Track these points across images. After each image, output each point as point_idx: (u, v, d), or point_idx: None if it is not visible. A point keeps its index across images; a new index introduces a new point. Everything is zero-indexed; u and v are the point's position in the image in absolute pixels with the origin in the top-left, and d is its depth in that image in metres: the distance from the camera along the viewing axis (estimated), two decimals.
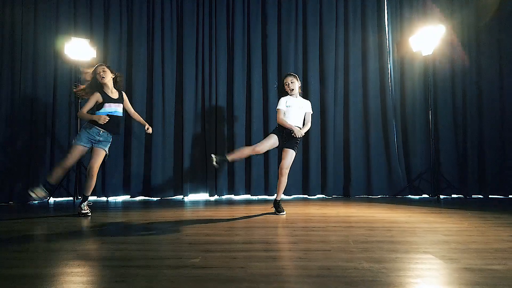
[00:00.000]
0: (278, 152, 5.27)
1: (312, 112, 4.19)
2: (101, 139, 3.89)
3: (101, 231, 3.07)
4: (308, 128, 4.14)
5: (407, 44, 5.45)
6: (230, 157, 3.90)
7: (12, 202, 5.04)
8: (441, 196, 5.10)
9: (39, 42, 5.30)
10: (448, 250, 2.27)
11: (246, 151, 4.00)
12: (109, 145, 4.01)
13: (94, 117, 3.79)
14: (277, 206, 3.94)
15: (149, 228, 3.15)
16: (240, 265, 1.97)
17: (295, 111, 3.99)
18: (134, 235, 2.87)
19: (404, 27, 5.66)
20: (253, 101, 5.58)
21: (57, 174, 3.89)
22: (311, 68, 5.59)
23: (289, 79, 4.04)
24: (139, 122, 4.31)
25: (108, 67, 3.95)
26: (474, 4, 5.55)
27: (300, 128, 3.99)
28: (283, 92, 4.14)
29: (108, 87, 3.93)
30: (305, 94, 5.59)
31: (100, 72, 3.85)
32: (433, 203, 4.72)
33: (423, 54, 5.18)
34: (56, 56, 5.40)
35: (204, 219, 3.61)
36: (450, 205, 4.56)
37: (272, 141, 3.96)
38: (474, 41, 5.55)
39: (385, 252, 2.24)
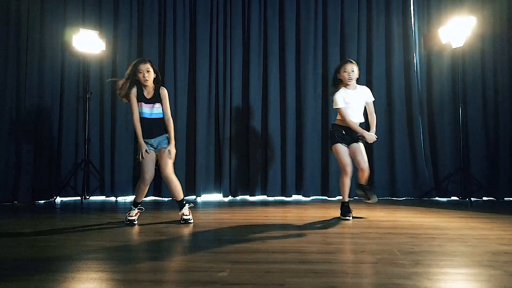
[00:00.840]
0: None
1: (374, 99, 3.55)
2: (154, 144, 3.29)
3: (107, 236, 2.78)
4: (375, 122, 3.53)
5: (435, 35, 5.11)
6: (345, 199, 3.49)
7: (16, 202, 4.78)
8: (472, 199, 4.74)
9: (46, 33, 5.02)
10: None
11: (345, 182, 3.47)
12: (166, 142, 3.31)
13: (139, 141, 3.21)
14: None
15: (162, 232, 2.86)
16: (278, 281, 1.67)
17: (356, 106, 3.41)
18: (147, 240, 2.58)
19: (432, 18, 5.30)
20: (269, 97, 5.28)
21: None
22: (331, 62, 5.26)
23: (350, 67, 3.37)
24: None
25: (152, 65, 3.24)
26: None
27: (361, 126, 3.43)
28: (336, 83, 3.46)
29: (146, 86, 3.26)
30: (324, 89, 5.30)
31: (143, 72, 3.17)
32: (464, 206, 4.38)
33: (453, 47, 4.83)
34: (64, 48, 5.14)
35: (222, 222, 3.31)
36: (484, 208, 4.23)
37: (344, 151, 3.44)
38: (507, 34, 5.18)
39: (443, 266, 1.92)
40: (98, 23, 5.28)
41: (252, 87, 5.29)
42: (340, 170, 3.50)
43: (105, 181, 5.19)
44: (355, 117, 3.41)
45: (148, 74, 3.17)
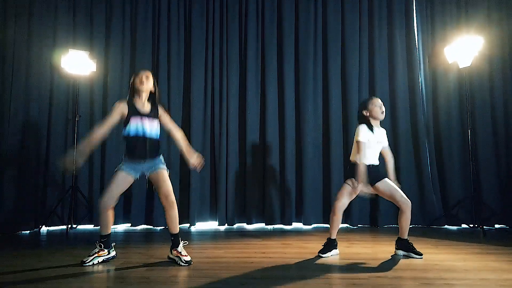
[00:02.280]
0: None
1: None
2: (146, 168, 2.95)
3: (92, 278, 2.48)
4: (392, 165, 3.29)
5: (440, 55, 4.90)
6: (333, 236, 3.20)
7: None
8: (485, 227, 4.43)
9: (33, 55, 4.80)
10: None
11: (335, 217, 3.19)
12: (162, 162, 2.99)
13: (88, 143, 2.79)
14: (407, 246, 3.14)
15: (149, 275, 2.55)
16: None
17: (375, 146, 3.17)
18: (132, 283, 2.28)
19: (436, 36, 5.10)
20: (267, 121, 5.04)
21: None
22: (332, 83, 5.04)
23: (379, 103, 3.18)
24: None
25: (153, 77, 2.99)
26: None
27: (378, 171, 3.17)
28: (362, 120, 3.19)
29: (141, 98, 2.94)
30: (325, 111, 5.06)
31: (141, 76, 2.90)
32: (476, 237, 4.07)
33: (460, 67, 4.60)
34: (53, 70, 4.92)
35: (214, 259, 3.00)
36: (499, 239, 3.92)
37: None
38: None
39: None
40: (89, 42, 5.09)
41: (249, 109, 5.07)
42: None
43: (94, 209, 4.90)
44: (373, 159, 3.15)
45: (147, 79, 2.89)
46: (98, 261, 2.88)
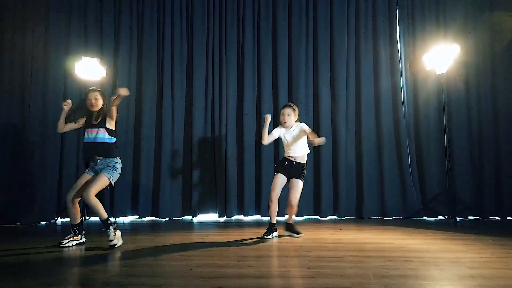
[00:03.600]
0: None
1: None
2: (100, 168, 3.55)
3: (107, 258, 2.97)
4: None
5: (420, 62, 5.37)
6: (273, 220, 3.97)
7: (19, 224, 4.96)
8: (458, 219, 4.92)
9: (50, 61, 5.28)
10: (477, 287, 2.14)
11: (272, 206, 3.95)
12: (112, 172, 3.54)
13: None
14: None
15: (158, 257, 3.04)
16: None
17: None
18: (143, 266, 2.76)
19: (417, 45, 5.58)
20: (263, 123, 5.47)
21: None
22: (321, 86, 5.52)
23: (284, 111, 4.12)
24: None
25: (101, 93, 3.65)
26: (489, 28, 5.46)
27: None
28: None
29: (93, 113, 3.60)
30: (316, 114, 5.54)
31: (91, 99, 3.56)
32: (450, 227, 4.56)
33: (437, 73, 5.08)
34: (66, 75, 5.38)
35: (214, 245, 3.48)
36: (468, 229, 4.40)
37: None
38: (490, 64, 5.47)
39: None
40: (100, 50, 5.54)
41: (246, 110, 5.52)
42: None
43: (105, 202, 5.37)
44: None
45: (96, 101, 3.55)
46: (72, 244, 3.50)
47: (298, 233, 3.98)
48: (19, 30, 5.14)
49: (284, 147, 4.07)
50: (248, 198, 5.43)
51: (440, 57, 4.94)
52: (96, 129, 3.55)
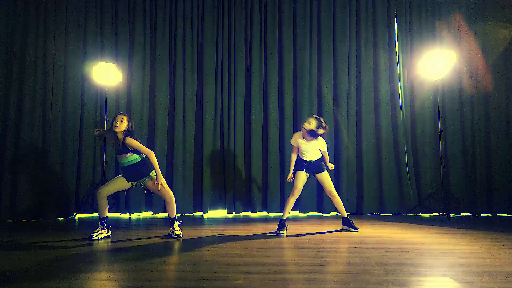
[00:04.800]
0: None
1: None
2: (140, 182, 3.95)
3: (134, 250, 3.31)
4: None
5: (417, 68, 5.72)
6: (285, 216, 4.23)
7: (42, 219, 5.29)
8: (451, 215, 5.30)
9: (68, 67, 5.61)
10: (465, 273, 2.50)
11: (290, 200, 4.24)
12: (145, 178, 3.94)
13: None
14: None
15: (182, 247, 3.39)
16: (281, 287, 2.21)
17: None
18: (168, 254, 3.11)
19: (414, 52, 5.94)
20: (269, 122, 5.85)
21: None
22: (325, 91, 5.87)
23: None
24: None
25: (128, 119, 3.90)
26: (483, 37, 5.85)
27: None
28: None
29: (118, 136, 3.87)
30: (319, 115, 5.88)
31: (117, 121, 3.82)
32: (444, 222, 4.93)
33: (433, 79, 5.43)
34: (83, 80, 5.70)
35: (231, 238, 3.84)
36: (461, 224, 4.78)
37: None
38: (482, 70, 5.82)
39: (407, 275, 2.47)
40: (115, 55, 5.86)
41: (254, 114, 5.86)
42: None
43: (120, 199, 5.72)
44: None
45: (121, 124, 3.80)
46: (101, 237, 3.85)
47: (354, 227, 4.23)
48: (41, 37, 5.51)
49: (301, 151, 4.33)
50: (255, 195, 5.78)
51: (436, 64, 5.28)
52: (124, 154, 3.83)
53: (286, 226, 4.21)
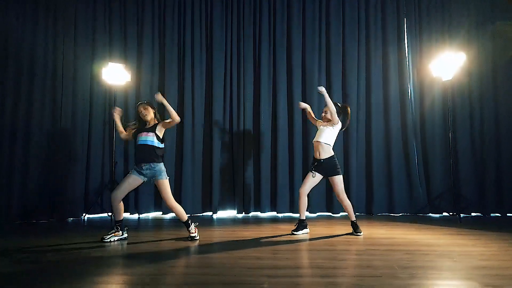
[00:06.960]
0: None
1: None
2: (147, 173, 3.86)
3: (152, 254, 3.30)
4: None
5: (426, 69, 5.71)
6: (302, 217, 4.20)
7: (52, 220, 5.28)
8: (461, 215, 5.30)
9: (77, 67, 5.59)
10: (489, 277, 2.49)
11: (300, 201, 4.21)
12: (163, 173, 3.89)
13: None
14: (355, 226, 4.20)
15: (200, 250, 3.38)
16: None
17: None
18: (187, 257, 3.10)
19: (424, 52, 5.93)
20: (278, 124, 5.84)
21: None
22: (334, 90, 5.85)
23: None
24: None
25: (149, 104, 4.01)
26: (492, 38, 5.84)
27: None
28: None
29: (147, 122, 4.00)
30: None
31: (142, 111, 3.94)
32: (454, 222, 4.92)
33: (443, 79, 5.42)
34: (92, 80, 5.68)
35: (245, 240, 3.82)
36: (472, 225, 4.77)
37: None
38: (492, 71, 5.83)
39: (433, 279, 2.46)
40: (123, 56, 5.83)
41: (263, 113, 5.85)
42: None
43: (129, 199, 5.70)
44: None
45: (146, 111, 3.94)
46: (114, 239, 3.84)
47: (358, 232, 4.11)
48: (51, 37, 5.49)
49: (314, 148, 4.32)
50: (264, 195, 5.77)
51: (446, 64, 5.28)
52: (146, 132, 3.88)
53: (303, 227, 4.22)
